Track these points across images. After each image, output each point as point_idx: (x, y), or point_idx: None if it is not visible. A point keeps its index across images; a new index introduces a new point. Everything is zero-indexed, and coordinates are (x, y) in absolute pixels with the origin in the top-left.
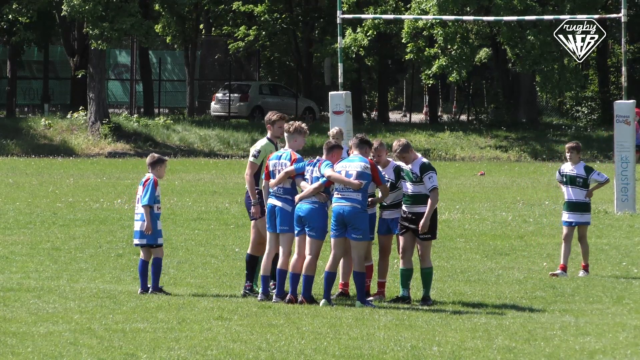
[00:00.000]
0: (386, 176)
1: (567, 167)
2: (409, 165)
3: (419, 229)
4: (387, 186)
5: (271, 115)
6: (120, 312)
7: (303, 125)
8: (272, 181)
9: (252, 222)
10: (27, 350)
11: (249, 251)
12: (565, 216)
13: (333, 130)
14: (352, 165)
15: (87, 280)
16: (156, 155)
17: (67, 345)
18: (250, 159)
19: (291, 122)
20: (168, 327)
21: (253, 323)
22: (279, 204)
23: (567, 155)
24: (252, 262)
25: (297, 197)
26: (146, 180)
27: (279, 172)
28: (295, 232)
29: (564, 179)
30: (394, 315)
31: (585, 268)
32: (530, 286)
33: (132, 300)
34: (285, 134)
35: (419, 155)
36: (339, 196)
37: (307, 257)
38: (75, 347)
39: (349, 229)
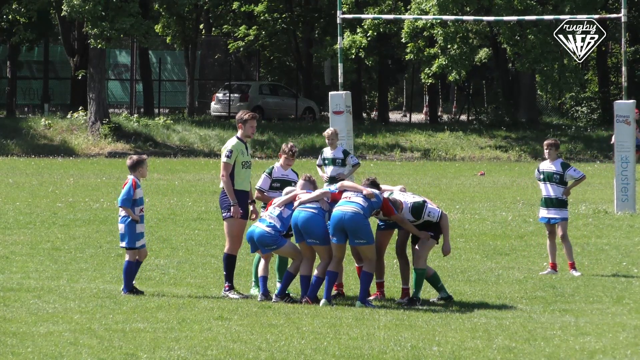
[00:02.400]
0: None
1: (546, 164)
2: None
3: (442, 252)
4: (398, 215)
5: (243, 115)
6: (120, 312)
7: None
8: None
9: (225, 222)
10: (27, 350)
11: (226, 251)
12: (543, 212)
13: (328, 131)
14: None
15: (87, 280)
16: (135, 156)
17: (67, 345)
18: (224, 159)
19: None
20: (168, 327)
21: (253, 323)
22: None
23: (546, 151)
24: (231, 262)
25: (297, 202)
26: (125, 183)
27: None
28: (295, 239)
29: (542, 176)
30: (394, 315)
31: (572, 266)
32: (530, 286)
33: (132, 300)
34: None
35: (407, 201)
36: (345, 200)
37: (322, 262)
38: (75, 347)
39: (350, 237)
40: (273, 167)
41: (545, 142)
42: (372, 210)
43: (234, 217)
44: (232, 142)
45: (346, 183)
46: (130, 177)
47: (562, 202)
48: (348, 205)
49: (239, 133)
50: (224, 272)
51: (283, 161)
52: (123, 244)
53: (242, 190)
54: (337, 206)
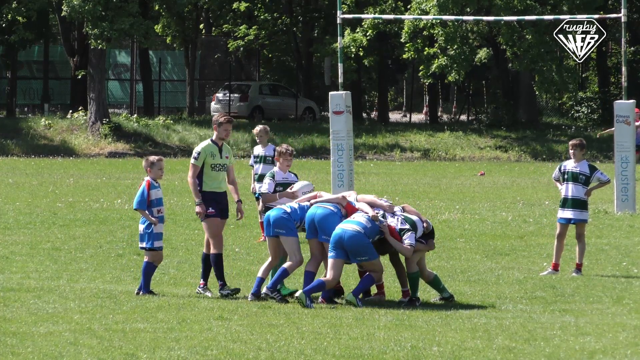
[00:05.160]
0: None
1: (570, 164)
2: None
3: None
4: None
5: (219, 117)
6: (120, 312)
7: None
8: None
9: (203, 223)
10: (27, 350)
11: (207, 250)
12: (563, 213)
13: (257, 128)
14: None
15: (87, 280)
16: (149, 157)
17: (67, 345)
18: (192, 161)
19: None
20: (168, 327)
21: (253, 323)
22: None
23: (571, 152)
24: (216, 261)
25: (313, 200)
26: (140, 184)
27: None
28: (307, 235)
29: (566, 176)
30: (394, 315)
31: (579, 267)
32: (530, 286)
33: (132, 300)
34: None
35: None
36: (349, 219)
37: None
38: (75, 347)
39: (351, 256)
40: (274, 172)
41: (571, 143)
42: (375, 232)
43: (199, 215)
44: (202, 144)
45: (367, 197)
46: (145, 178)
47: (584, 203)
48: (350, 224)
49: (214, 135)
50: (215, 272)
51: (282, 163)
52: (142, 245)
53: (212, 192)
54: (340, 225)
